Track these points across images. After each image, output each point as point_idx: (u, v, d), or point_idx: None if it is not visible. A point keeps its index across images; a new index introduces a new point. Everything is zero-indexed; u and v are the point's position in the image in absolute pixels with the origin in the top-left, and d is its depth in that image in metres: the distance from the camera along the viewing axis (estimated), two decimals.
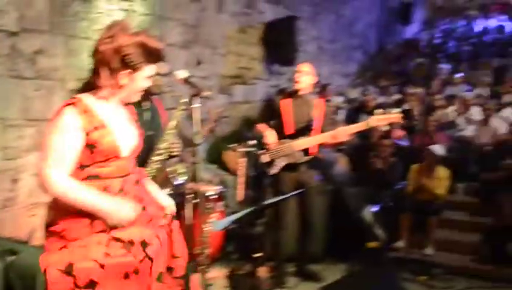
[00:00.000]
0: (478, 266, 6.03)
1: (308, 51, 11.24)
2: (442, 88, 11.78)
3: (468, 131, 8.23)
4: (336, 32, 12.98)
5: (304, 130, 4.84)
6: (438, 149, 6.77)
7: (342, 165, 7.05)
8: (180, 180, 3.05)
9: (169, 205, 2.68)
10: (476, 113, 8.74)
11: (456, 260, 6.23)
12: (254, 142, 5.29)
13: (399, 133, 8.18)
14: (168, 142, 3.17)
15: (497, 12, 23.09)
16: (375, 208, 5.83)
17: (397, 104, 10.80)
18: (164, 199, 2.69)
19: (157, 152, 3.12)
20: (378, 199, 6.34)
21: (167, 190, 2.85)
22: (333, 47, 12.86)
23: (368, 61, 15.37)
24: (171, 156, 3.31)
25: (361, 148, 7.82)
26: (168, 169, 3.07)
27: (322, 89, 10.94)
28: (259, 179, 4.86)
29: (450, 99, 10.04)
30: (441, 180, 6.68)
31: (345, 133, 4.73)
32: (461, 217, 7.13)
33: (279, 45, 9.16)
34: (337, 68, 13.20)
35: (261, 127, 4.99)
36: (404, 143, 8.10)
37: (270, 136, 4.85)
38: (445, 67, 13.34)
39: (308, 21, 11.22)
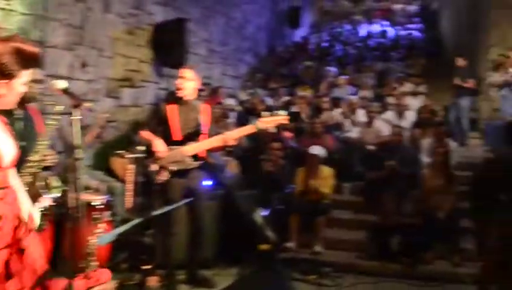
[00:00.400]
0: (365, 263, 6.36)
1: (198, 53, 11.27)
2: (329, 91, 12.30)
3: (354, 132, 8.65)
4: (226, 35, 13.11)
5: (192, 136, 4.84)
6: (318, 150, 7.07)
7: (231, 168, 7.13)
8: (53, 194, 2.91)
9: (32, 218, 2.55)
10: (360, 115, 9.21)
11: (344, 257, 6.54)
12: (143, 148, 5.21)
13: (287, 135, 8.43)
14: (41, 153, 3.01)
15: (380, 18, 24.59)
16: (265, 211, 5.96)
17: (286, 106, 11.14)
18: (29, 212, 2.57)
19: (29, 164, 2.96)
20: (268, 202, 6.49)
21: (40, 203, 2.71)
22: (224, 49, 12.98)
23: (258, 64, 15.68)
24: (44, 168, 3.17)
25: (251, 151, 7.97)
26: (40, 182, 2.92)
27: (213, 92, 11.01)
28: (149, 186, 4.79)
29: (336, 101, 10.50)
30: (325, 179, 6.99)
31: (233, 137, 4.78)
32: (347, 215, 7.51)
33: (168, 47, 9.08)
34: (228, 70, 13.34)
35: (147, 134, 4.92)
36: (293, 145, 8.37)
37: (158, 144, 4.79)
38: (332, 70, 13.91)
39: (199, 23, 11.25)
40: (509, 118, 9.51)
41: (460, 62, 10.84)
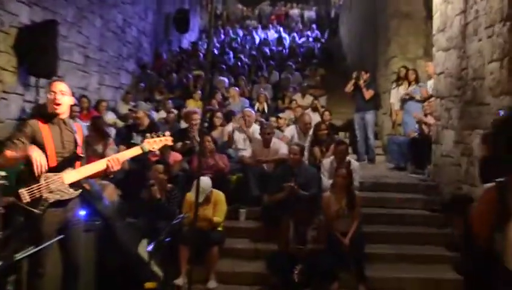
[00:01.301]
0: None
1: (72, 60, 10.92)
2: (221, 104, 12.40)
3: (249, 151, 8.74)
4: (104, 40, 12.83)
5: (70, 161, 4.58)
6: (206, 181, 7.06)
7: (109, 194, 6.93)
8: None
9: None
10: (256, 131, 9.35)
11: None
12: (2, 173, 4.90)
13: (176, 157, 8.38)
14: None
15: (276, 23, 25.27)
16: (151, 243, 5.85)
17: (173, 121, 11.11)
18: None
19: None
20: (154, 232, 6.36)
21: None
22: (102, 56, 12.69)
23: (142, 73, 15.52)
24: None
25: (133, 174, 7.83)
26: None
27: (89, 105, 10.70)
28: (16, 219, 4.51)
29: (230, 116, 10.59)
30: (217, 205, 7.02)
31: (118, 160, 4.61)
32: (244, 244, 7.52)
33: (36, 53, 8.69)
34: (106, 80, 13.06)
35: (11, 155, 4.54)
36: (183, 167, 8.33)
37: (37, 156, 4.41)
38: (224, 80, 14.04)
39: (72, 26, 10.90)
40: (412, 133, 10.09)
41: (365, 77, 11.38)
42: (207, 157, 8.11)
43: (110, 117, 11.25)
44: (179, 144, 8.95)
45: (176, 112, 11.72)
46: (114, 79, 13.68)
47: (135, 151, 4.75)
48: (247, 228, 7.86)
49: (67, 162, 4.51)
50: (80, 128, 4.79)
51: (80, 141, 4.67)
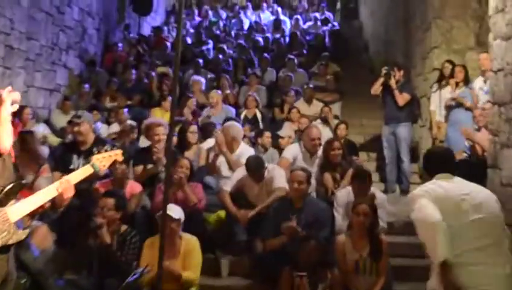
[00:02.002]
0: None
1: None
2: (197, 113, 12.38)
3: (234, 179, 8.70)
4: (33, 24, 12.86)
5: (12, 190, 4.58)
6: (176, 212, 7.07)
7: (40, 241, 6.88)
8: None
9: None
10: (245, 150, 9.34)
11: None
12: None
13: (133, 188, 8.37)
14: None
15: (273, 2, 25.36)
16: None
17: (131, 137, 11.09)
18: None
19: None
20: None
21: None
22: (30, 46, 12.72)
23: (87, 70, 15.53)
24: None
25: (75, 212, 7.81)
26: None
27: (13, 114, 10.65)
28: None
29: (208, 130, 10.59)
30: (188, 256, 6.98)
31: (70, 184, 4.80)
32: None
33: None
34: (37, 79, 13.07)
35: None
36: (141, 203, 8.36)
37: None
38: (200, 80, 14.06)
39: None
40: (460, 154, 10.08)
41: (397, 75, 11.44)
42: (176, 187, 8.11)
43: (40, 130, 11.23)
44: (139, 169, 8.95)
45: (134, 124, 11.72)
46: (47, 78, 13.74)
47: (85, 171, 4.96)
48: (232, 286, 7.84)
49: (8, 192, 4.52)
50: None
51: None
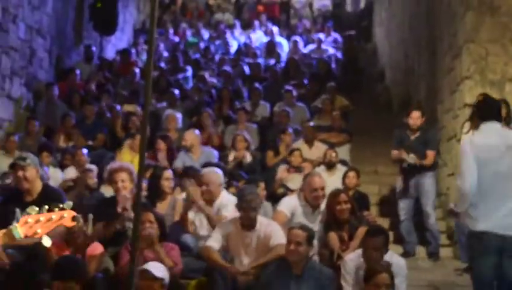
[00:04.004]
0: None
1: None
2: (172, 155, 12.45)
3: (215, 239, 8.76)
4: None
5: None
6: (159, 270, 7.18)
7: None
8: None
9: None
10: (226, 206, 9.51)
11: None
12: None
13: (93, 249, 8.38)
14: None
15: (267, 19, 25.52)
16: None
17: (90, 186, 11.16)
18: None
19: None
20: None
21: None
22: None
23: (35, 102, 15.61)
24: None
25: (19, 275, 7.91)
26: None
27: None
28: None
29: (185, 178, 10.70)
30: None
31: None
32: None
33: None
34: None
35: None
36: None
37: None
38: (176, 116, 14.25)
39: None
40: None
41: (414, 118, 11.58)
42: (144, 249, 8.18)
43: None
44: (100, 226, 8.96)
45: (95, 169, 11.81)
46: None
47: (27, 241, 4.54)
48: None
49: None
50: None
51: None
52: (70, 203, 4.63)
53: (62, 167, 12.81)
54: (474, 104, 7.94)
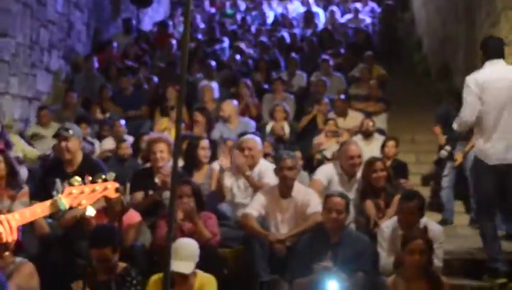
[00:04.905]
0: None
1: None
2: (210, 126, 12.47)
3: (254, 208, 8.75)
4: (5, 17, 13.01)
5: None
6: (187, 265, 7.15)
7: (23, 281, 7.00)
8: None
9: None
10: (266, 171, 9.46)
11: None
12: None
13: (131, 218, 8.47)
14: None
15: None
16: None
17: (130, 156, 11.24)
18: None
19: None
20: None
21: None
22: (3, 45, 12.94)
23: (74, 73, 15.64)
24: None
25: (60, 246, 8.10)
26: None
27: None
28: None
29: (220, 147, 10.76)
30: None
31: (9, 226, 4.46)
32: None
33: None
34: (12, 85, 13.30)
35: None
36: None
37: None
38: (212, 86, 14.33)
39: None
40: None
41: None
42: (182, 220, 8.24)
43: (20, 146, 11.36)
44: (138, 196, 9.08)
45: (129, 139, 11.98)
46: (25, 84, 13.94)
47: (42, 209, 4.54)
48: None
49: None
50: None
51: None
52: (113, 174, 4.67)
53: (100, 138, 12.91)
54: (480, 47, 8.80)
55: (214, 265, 7.84)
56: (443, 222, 10.54)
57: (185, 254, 7.15)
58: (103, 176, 4.56)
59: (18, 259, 7.20)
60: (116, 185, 4.70)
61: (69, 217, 8.26)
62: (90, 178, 4.57)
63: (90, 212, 4.62)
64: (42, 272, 7.54)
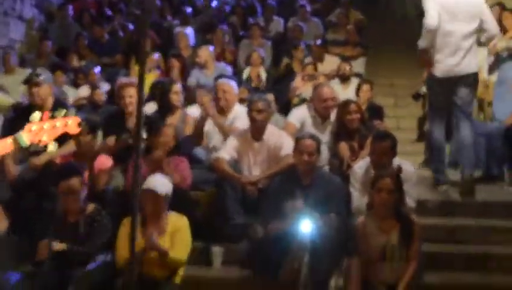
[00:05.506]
0: None
1: None
2: (186, 72, 12.49)
3: (226, 151, 8.77)
4: None
5: None
6: (162, 186, 7.23)
7: None
8: None
9: None
10: (240, 114, 9.51)
11: None
12: None
13: (102, 162, 8.52)
14: None
15: None
16: None
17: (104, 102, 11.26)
18: None
19: None
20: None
21: None
22: None
23: (48, 20, 15.56)
24: None
25: (29, 189, 8.13)
26: None
27: None
28: None
29: (196, 91, 10.91)
30: (176, 236, 7.11)
31: None
32: None
33: None
34: None
35: None
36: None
37: None
38: (187, 33, 14.33)
39: None
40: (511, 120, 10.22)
41: None
42: (155, 164, 8.28)
43: None
44: (111, 140, 9.10)
45: (104, 87, 12.09)
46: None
47: (3, 146, 4.67)
48: (226, 277, 8.00)
49: None
50: None
51: None
52: (73, 110, 4.70)
53: (76, 86, 12.92)
54: None
55: (186, 207, 7.83)
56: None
57: (159, 181, 7.23)
58: (63, 112, 4.56)
59: None
60: (78, 120, 4.70)
61: (40, 160, 8.39)
62: (56, 112, 4.60)
63: (52, 147, 4.60)
64: (14, 217, 7.61)
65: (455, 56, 9.24)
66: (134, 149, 5.27)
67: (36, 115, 4.57)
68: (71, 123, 4.66)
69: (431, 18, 9.10)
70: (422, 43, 9.32)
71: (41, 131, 4.56)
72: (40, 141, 4.58)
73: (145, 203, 6.96)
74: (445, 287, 7.78)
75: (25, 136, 4.53)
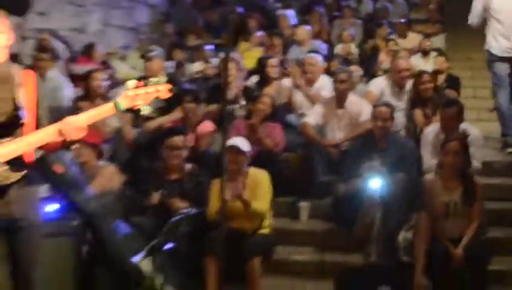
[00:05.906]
0: None
1: None
2: (283, 49, 12.32)
3: (313, 117, 8.71)
4: None
5: (8, 127, 4.56)
6: (244, 144, 7.11)
7: (104, 182, 6.99)
8: None
9: None
10: (326, 85, 9.47)
11: None
12: None
13: (205, 127, 8.54)
14: None
15: None
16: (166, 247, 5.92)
17: (208, 77, 11.35)
18: None
19: None
20: (164, 234, 6.41)
21: None
22: None
23: (169, 7, 15.63)
24: None
25: (144, 153, 8.11)
26: None
27: (87, 50, 10.99)
28: None
29: (290, 65, 10.68)
30: (256, 189, 6.97)
31: (77, 125, 4.44)
32: (306, 255, 7.55)
33: None
34: (114, 18, 13.20)
35: None
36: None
37: None
38: (287, 15, 14.05)
39: None
40: None
41: None
42: (252, 129, 8.35)
43: (122, 70, 11.45)
44: (213, 107, 9.20)
45: (214, 62, 11.95)
46: (126, 17, 13.89)
47: (103, 110, 4.56)
48: (311, 231, 7.89)
49: (4, 128, 4.49)
50: (28, 78, 4.71)
51: (27, 96, 4.61)
52: (164, 78, 4.75)
53: (192, 61, 12.91)
54: None
55: (276, 167, 7.82)
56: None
57: (240, 141, 7.18)
58: (155, 79, 4.62)
59: (101, 163, 7.29)
60: (169, 86, 4.72)
61: (153, 124, 8.56)
62: (149, 80, 4.64)
63: (146, 110, 4.65)
64: (130, 175, 7.72)
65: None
66: (224, 116, 5.28)
67: (131, 82, 4.59)
68: (162, 89, 4.70)
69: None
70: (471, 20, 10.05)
71: (137, 96, 4.60)
72: (135, 105, 4.63)
73: (229, 160, 6.83)
74: (509, 240, 7.45)
75: (122, 101, 4.54)
